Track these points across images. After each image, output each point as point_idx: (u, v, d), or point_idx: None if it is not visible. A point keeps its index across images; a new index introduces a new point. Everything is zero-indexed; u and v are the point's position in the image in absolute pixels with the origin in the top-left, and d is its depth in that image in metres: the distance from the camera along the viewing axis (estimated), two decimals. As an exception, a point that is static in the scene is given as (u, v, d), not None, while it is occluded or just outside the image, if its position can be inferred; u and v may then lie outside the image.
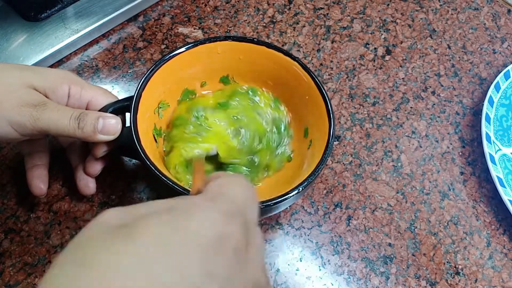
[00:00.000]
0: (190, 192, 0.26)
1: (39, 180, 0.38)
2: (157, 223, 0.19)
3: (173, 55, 0.40)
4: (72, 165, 0.40)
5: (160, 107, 0.41)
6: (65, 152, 0.41)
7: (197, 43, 0.41)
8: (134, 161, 0.44)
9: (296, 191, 0.35)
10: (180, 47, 0.40)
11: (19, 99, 0.32)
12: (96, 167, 0.38)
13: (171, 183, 0.33)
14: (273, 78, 0.43)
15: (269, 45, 0.42)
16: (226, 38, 0.42)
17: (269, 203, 0.34)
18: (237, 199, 0.22)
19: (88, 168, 0.38)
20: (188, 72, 0.42)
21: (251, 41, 0.42)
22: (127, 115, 0.38)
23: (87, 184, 0.39)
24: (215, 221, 0.20)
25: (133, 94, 0.37)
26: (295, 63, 0.41)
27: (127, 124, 0.37)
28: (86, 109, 0.37)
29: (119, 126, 0.35)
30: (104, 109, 0.37)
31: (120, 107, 0.37)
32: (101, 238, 0.18)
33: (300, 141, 0.42)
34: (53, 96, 0.35)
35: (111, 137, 0.35)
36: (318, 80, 0.40)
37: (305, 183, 0.35)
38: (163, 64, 0.39)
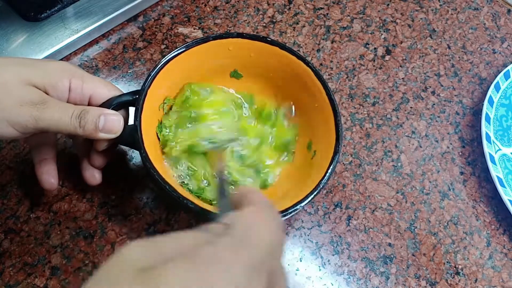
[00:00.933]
0: (215, 213, 0.27)
1: (49, 175, 0.38)
2: (181, 272, 0.19)
3: (180, 52, 0.39)
4: (78, 155, 0.40)
5: (165, 103, 0.40)
6: (64, 152, 0.41)
7: (208, 38, 0.40)
8: (134, 161, 0.44)
9: (292, 209, 0.35)
10: (190, 43, 0.39)
11: (19, 97, 0.31)
12: (101, 160, 0.38)
13: (174, 194, 0.33)
14: (283, 79, 0.43)
15: (283, 47, 0.41)
16: (238, 35, 0.41)
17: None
18: (263, 245, 0.22)
19: (93, 160, 0.38)
20: (196, 67, 0.41)
21: (264, 40, 0.41)
22: (131, 110, 0.37)
23: (93, 174, 0.38)
24: (237, 277, 0.20)
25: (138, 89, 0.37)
26: (308, 69, 0.40)
27: (131, 121, 0.36)
28: (89, 103, 0.36)
29: (121, 123, 0.35)
30: (107, 103, 0.36)
31: (124, 102, 0.37)
32: (124, 281, 0.18)
33: (303, 152, 0.42)
34: (53, 92, 0.34)
35: (112, 136, 0.35)
36: (330, 90, 0.39)
37: (295, 207, 0.35)
38: (171, 59, 0.39)
